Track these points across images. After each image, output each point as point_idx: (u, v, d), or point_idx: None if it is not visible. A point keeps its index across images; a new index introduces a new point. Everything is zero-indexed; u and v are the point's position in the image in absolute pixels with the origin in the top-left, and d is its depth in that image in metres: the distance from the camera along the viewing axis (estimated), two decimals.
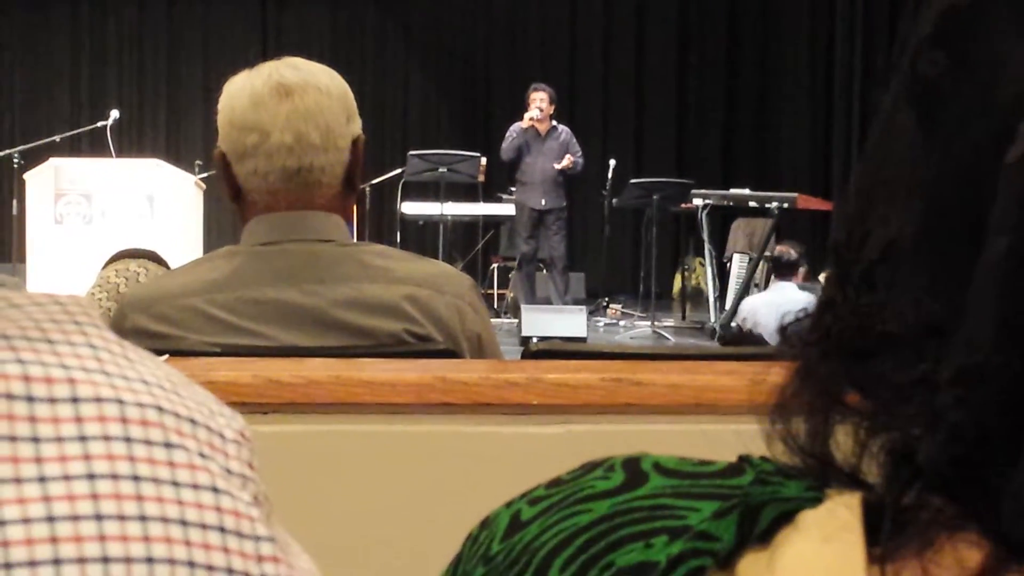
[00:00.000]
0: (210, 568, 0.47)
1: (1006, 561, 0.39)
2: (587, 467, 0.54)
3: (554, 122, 11.54)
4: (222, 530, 0.49)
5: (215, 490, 0.49)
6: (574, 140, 11.59)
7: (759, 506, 0.46)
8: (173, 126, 16.02)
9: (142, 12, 15.96)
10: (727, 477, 0.50)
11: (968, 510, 0.40)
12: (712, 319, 11.23)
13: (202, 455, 0.50)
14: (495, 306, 12.23)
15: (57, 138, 11.02)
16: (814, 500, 0.46)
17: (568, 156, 11.42)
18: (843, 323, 0.45)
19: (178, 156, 13.61)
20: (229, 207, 2.28)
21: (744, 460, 0.51)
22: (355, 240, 2.24)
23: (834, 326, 0.46)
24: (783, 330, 0.49)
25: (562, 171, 11.44)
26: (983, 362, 0.39)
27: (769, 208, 10.73)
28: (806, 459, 0.47)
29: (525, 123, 11.39)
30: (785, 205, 10.63)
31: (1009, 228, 0.38)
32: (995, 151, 0.39)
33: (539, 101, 11.38)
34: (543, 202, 11.45)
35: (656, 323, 11.32)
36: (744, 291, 11.79)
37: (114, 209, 9.57)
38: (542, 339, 8.54)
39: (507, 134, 11.58)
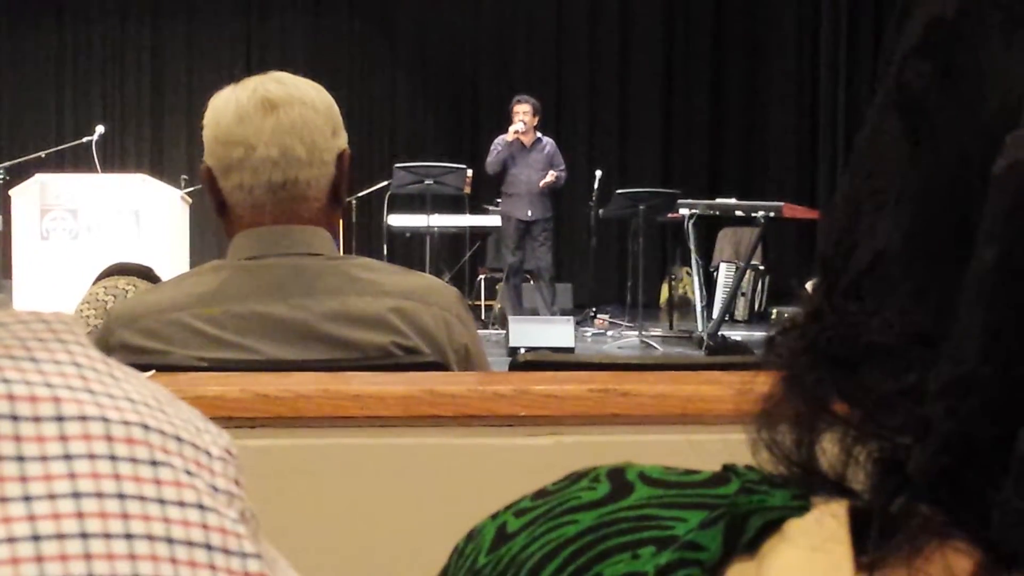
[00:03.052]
0: None
1: (996, 569, 0.39)
2: (572, 478, 0.54)
3: (538, 134, 11.54)
4: (209, 547, 0.48)
5: (201, 507, 0.49)
6: (558, 152, 11.58)
7: (745, 516, 0.46)
8: (158, 141, 16.00)
9: (126, 27, 15.95)
10: (713, 487, 0.50)
11: (957, 518, 0.40)
12: (699, 328, 11.23)
13: (188, 473, 0.50)
14: (482, 317, 12.23)
15: (43, 154, 11.00)
16: (800, 509, 0.46)
17: (551, 172, 11.41)
18: (830, 333, 0.45)
19: (163, 171, 13.60)
20: (215, 222, 2.28)
21: (729, 469, 0.50)
22: (341, 253, 2.24)
23: (821, 336, 0.45)
24: (770, 340, 0.49)
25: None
26: (971, 373, 0.38)
27: (755, 217, 10.75)
28: (791, 467, 0.47)
29: (510, 136, 11.37)
30: (771, 214, 10.65)
31: (997, 239, 0.38)
32: (982, 162, 0.39)
33: (522, 114, 11.38)
34: (529, 213, 11.44)
35: (643, 333, 11.32)
36: (731, 300, 11.81)
37: (100, 224, 9.56)
38: (530, 350, 8.54)
39: (492, 147, 11.57)
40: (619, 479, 0.52)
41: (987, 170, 0.39)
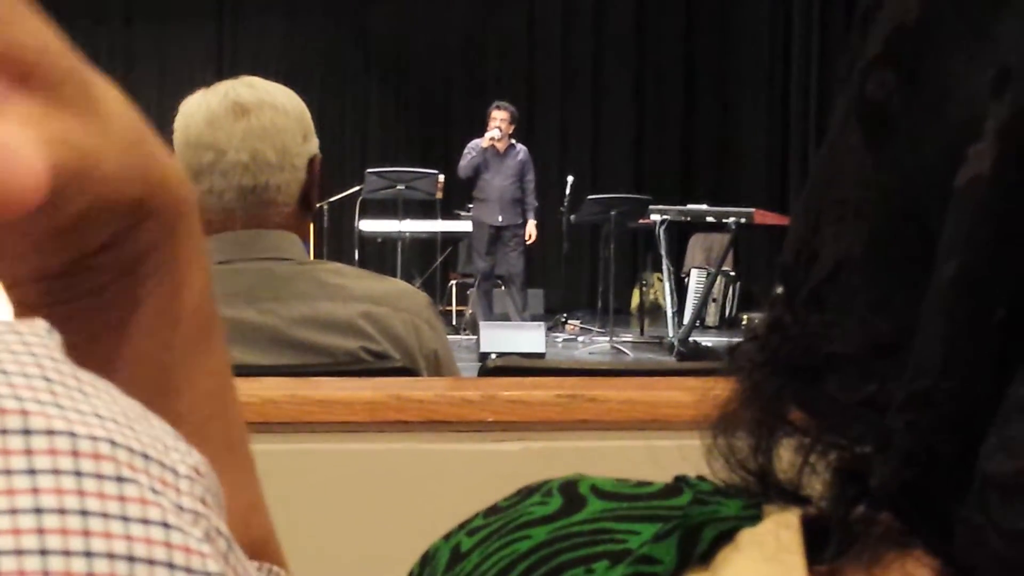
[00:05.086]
0: None
1: None
2: (524, 492, 0.53)
3: (512, 140, 11.54)
4: (171, 566, 0.48)
5: (166, 526, 0.49)
6: (531, 160, 11.57)
7: (699, 527, 0.46)
8: None
9: (97, 31, 15.89)
10: (665, 498, 0.49)
11: (916, 529, 0.40)
12: (670, 334, 11.25)
13: (154, 490, 0.49)
14: (453, 323, 12.22)
15: None
16: (752, 519, 0.46)
17: (531, 227, 11.44)
18: (790, 343, 0.45)
19: None
20: None
21: (681, 480, 0.50)
22: (312, 258, 2.23)
23: (782, 346, 0.45)
24: (732, 350, 0.48)
25: (520, 187, 11.44)
26: (932, 387, 0.38)
27: (726, 223, 10.77)
28: (746, 475, 0.47)
29: (485, 142, 11.35)
30: (742, 220, 10.66)
31: (958, 251, 0.38)
32: (945, 172, 0.39)
33: (500, 120, 11.35)
34: (500, 219, 11.44)
35: (614, 338, 11.33)
36: (702, 306, 11.84)
37: None
38: (501, 355, 8.53)
39: (465, 152, 11.55)
40: (571, 493, 0.51)
41: (949, 182, 0.38)
